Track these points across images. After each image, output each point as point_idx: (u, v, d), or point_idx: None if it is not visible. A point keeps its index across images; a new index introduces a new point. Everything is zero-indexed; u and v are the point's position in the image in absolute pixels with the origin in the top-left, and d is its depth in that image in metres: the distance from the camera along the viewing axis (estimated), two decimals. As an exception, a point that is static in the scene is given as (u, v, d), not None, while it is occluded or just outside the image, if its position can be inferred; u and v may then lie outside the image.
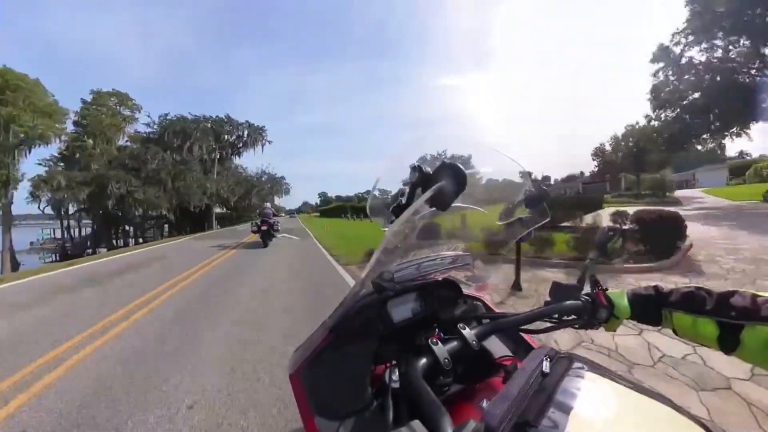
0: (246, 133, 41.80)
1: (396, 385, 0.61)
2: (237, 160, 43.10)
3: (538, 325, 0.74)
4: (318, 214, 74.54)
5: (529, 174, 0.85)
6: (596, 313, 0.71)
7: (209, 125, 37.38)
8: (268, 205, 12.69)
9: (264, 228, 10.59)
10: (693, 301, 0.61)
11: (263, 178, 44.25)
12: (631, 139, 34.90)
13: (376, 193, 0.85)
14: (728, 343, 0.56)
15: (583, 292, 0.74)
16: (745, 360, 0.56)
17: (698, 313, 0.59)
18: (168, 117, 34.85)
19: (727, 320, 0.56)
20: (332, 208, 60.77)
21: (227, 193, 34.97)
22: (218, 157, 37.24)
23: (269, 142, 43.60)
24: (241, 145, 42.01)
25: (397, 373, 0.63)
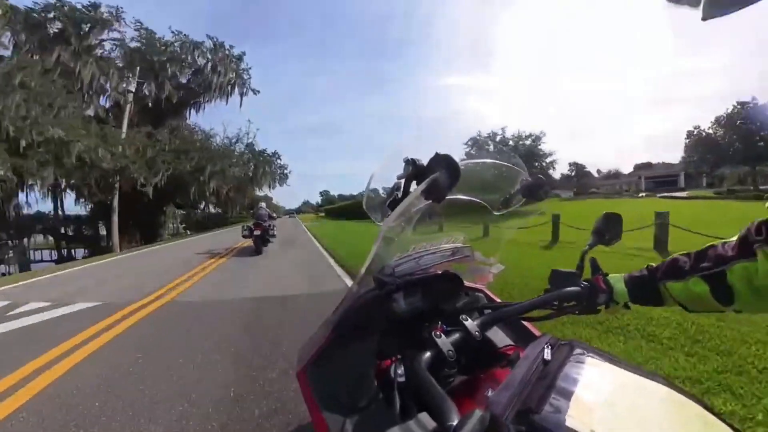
0: (209, 65, 20.85)
1: (402, 379, 0.62)
2: (197, 118, 24.21)
3: (540, 313, 0.75)
4: (323, 213, 59.30)
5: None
6: (595, 298, 0.71)
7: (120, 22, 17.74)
8: (263, 205, 10.83)
9: (257, 233, 9.20)
10: (677, 267, 0.63)
11: (236, 148, 24.77)
12: (741, 121, 26.83)
13: (380, 189, 0.85)
14: (723, 295, 0.57)
15: (582, 278, 0.74)
16: (746, 309, 0.57)
17: (683, 276, 0.62)
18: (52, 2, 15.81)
19: (707, 272, 0.58)
20: (342, 206, 44.48)
21: (135, 164, 16.71)
22: (132, 92, 18.62)
23: (254, 91, 23.91)
24: (200, 87, 21.72)
25: (402, 367, 0.63)
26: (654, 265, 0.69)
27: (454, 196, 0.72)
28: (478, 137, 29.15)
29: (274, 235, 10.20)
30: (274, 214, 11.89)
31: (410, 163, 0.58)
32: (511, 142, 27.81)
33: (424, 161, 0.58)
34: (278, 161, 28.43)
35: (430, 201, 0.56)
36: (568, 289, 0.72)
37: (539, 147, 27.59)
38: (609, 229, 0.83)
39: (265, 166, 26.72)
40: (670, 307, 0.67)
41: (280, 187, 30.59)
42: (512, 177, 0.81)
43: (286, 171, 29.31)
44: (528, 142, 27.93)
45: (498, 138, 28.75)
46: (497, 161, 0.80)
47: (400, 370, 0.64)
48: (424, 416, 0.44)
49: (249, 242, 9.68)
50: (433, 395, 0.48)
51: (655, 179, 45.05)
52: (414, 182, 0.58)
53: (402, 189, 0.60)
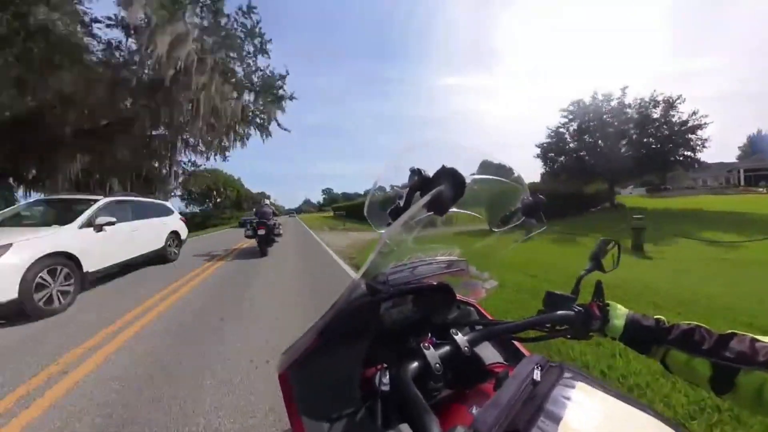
0: None
1: (386, 388, 0.61)
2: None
3: (531, 334, 0.75)
4: (331, 212, 43.74)
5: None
6: (588, 324, 0.71)
7: None
8: (267, 202, 9.91)
9: (261, 232, 8.45)
10: (691, 341, 0.61)
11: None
12: None
13: (389, 188, 0.84)
14: (721, 386, 0.55)
15: (577, 302, 0.75)
16: (736, 404, 0.56)
17: (695, 353, 0.59)
18: None
19: (724, 362, 0.55)
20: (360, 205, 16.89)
21: None
22: None
23: None
24: None
25: (388, 376, 0.63)
26: (666, 322, 0.66)
27: (456, 210, 0.72)
28: (581, 101, 18.77)
29: (279, 234, 9.41)
30: (276, 211, 10.25)
31: (416, 173, 0.58)
32: (630, 110, 18.06)
33: (429, 171, 0.58)
34: (266, 58, 13.19)
35: (432, 213, 0.56)
36: (561, 312, 0.72)
37: (685, 119, 16.96)
38: (607, 255, 0.83)
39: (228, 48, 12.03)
40: (652, 358, 0.66)
41: (264, 137, 14.79)
42: (514, 195, 0.81)
43: (282, 88, 13.79)
44: (657, 111, 17.40)
45: (614, 101, 18.36)
46: (500, 178, 0.80)
47: (385, 379, 0.63)
48: (404, 427, 0.43)
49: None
50: (416, 407, 0.47)
51: (756, 172, 41.73)
52: (418, 193, 0.57)
53: (404, 198, 0.60)
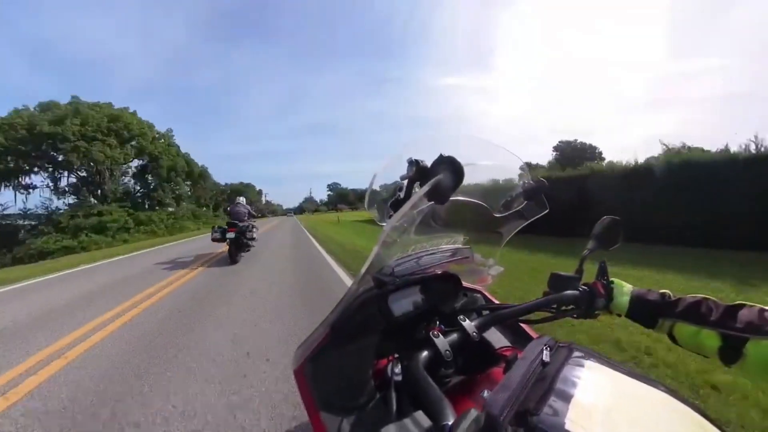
0: None
1: (398, 378, 0.62)
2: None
3: (538, 316, 0.75)
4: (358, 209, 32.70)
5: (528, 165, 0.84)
6: (593, 303, 0.72)
7: None
8: (242, 200, 8.41)
9: (231, 235, 7.03)
10: (699, 313, 0.60)
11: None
12: None
13: (382, 189, 0.84)
14: (730, 356, 0.55)
15: (582, 282, 0.75)
16: (745, 374, 0.56)
17: (702, 324, 0.59)
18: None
19: (732, 332, 0.55)
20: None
21: None
22: None
23: None
24: None
25: (400, 366, 0.64)
26: (671, 295, 0.66)
27: (457, 198, 0.73)
28: None
29: (253, 238, 8.10)
30: (254, 212, 8.69)
31: (413, 164, 0.58)
32: None
33: (428, 162, 0.58)
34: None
35: (433, 202, 0.56)
36: (567, 292, 0.72)
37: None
38: (609, 233, 0.83)
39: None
40: (659, 333, 0.65)
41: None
42: (514, 179, 0.81)
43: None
44: None
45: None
46: (500, 164, 0.80)
47: (397, 369, 0.64)
48: (419, 415, 0.44)
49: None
50: (429, 394, 0.48)
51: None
52: (417, 183, 0.57)
53: (404, 190, 0.60)
